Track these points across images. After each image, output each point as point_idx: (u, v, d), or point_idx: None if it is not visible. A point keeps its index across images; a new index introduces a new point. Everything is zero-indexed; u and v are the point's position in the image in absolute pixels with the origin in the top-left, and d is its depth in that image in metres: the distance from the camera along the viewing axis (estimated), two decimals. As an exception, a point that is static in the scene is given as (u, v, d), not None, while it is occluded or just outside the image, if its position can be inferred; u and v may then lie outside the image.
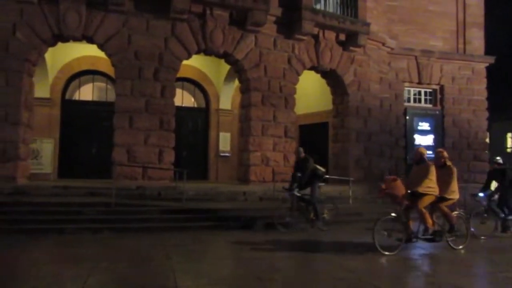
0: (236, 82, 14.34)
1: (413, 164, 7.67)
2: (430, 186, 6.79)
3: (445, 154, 7.39)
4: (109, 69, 12.42)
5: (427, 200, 6.86)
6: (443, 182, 7.01)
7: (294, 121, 13.19)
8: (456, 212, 7.42)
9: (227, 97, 15.61)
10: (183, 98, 15.26)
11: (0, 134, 10.17)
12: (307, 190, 8.89)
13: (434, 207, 7.16)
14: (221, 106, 15.57)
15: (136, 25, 11.27)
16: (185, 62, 12.12)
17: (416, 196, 6.78)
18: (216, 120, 15.51)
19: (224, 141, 15.44)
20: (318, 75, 14.20)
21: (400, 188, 6.79)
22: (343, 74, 13.79)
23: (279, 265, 5.91)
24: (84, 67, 13.98)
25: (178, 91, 12.93)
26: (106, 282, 4.89)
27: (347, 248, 7.24)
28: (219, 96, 15.56)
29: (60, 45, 11.48)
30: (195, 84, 15.57)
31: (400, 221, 6.83)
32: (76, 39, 11.15)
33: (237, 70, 12.85)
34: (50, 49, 11.49)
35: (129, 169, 10.86)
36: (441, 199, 7.03)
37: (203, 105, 15.75)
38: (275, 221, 8.59)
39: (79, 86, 14.39)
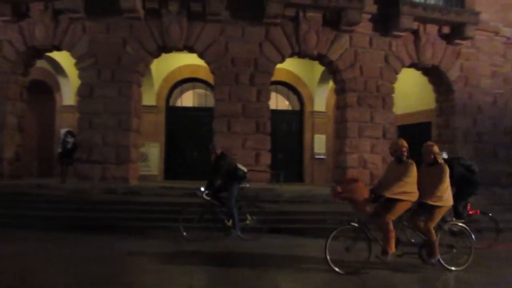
0: (331, 84, 14.11)
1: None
2: (406, 190, 5.34)
3: (436, 148, 5.67)
4: (208, 76, 13.06)
5: (399, 209, 5.37)
6: (429, 184, 5.43)
7: (392, 121, 12.55)
8: (450, 223, 5.82)
9: (322, 99, 15.42)
10: (278, 101, 15.44)
11: (114, 139, 11.29)
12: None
13: (413, 220, 5.55)
14: (316, 108, 15.43)
15: (232, 33, 11.69)
16: (278, 65, 12.25)
17: (384, 203, 5.40)
18: (311, 122, 15.41)
19: (319, 143, 15.27)
20: (419, 73, 13.35)
21: (360, 191, 5.44)
22: (447, 70, 12.78)
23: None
24: (185, 75, 14.89)
25: (273, 95, 13.13)
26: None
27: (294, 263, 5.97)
28: (313, 98, 15.45)
29: (163, 55, 12.34)
30: (289, 87, 15.66)
31: (362, 233, 5.44)
32: (178, 49, 11.90)
33: (331, 71, 12.64)
34: (155, 60, 12.41)
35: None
36: (420, 206, 5.44)
37: (297, 107, 15.77)
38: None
39: (181, 93, 15.38)
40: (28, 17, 11.65)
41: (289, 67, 14.58)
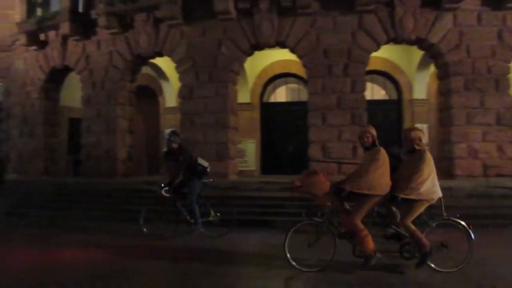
0: (432, 69, 13.13)
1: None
2: (370, 182, 4.71)
3: (415, 133, 4.95)
4: (300, 70, 12.99)
5: (365, 205, 4.78)
6: (405, 175, 4.80)
7: (509, 106, 11.25)
8: (440, 220, 4.97)
9: (421, 85, 14.42)
10: (373, 91, 14.81)
11: (214, 137, 11.81)
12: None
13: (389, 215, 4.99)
14: (415, 96, 14.49)
15: (323, 24, 11.45)
16: (373, 54, 11.71)
17: (345, 198, 4.85)
18: (410, 111, 14.50)
19: (421, 133, 14.29)
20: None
21: (319, 185, 4.97)
22: None
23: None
24: (278, 71, 15.00)
25: (368, 85, 12.58)
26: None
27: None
28: (412, 85, 14.53)
29: (256, 53, 12.54)
30: (385, 76, 14.92)
31: (326, 229, 5.00)
32: (270, 46, 12.02)
33: (432, 55, 11.74)
34: (248, 58, 12.67)
35: (324, 165, 11.11)
36: (392, 199, 4.82)
37: (394, 96, 14.97)
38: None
39: (274, 89, 15.54)
40: (132, 27, 12.71)
41: (385, 54, 13.86)
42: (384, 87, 15.16)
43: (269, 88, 15.45)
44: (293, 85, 15.50)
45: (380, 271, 4.93)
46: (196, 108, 12.04)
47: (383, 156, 4.86)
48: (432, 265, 4.86)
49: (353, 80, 11.37)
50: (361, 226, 4.80)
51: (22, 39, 14.24)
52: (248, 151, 14.29)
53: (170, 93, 15.75)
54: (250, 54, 12.24)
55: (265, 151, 14.82)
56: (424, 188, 4.71)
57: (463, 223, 4.95)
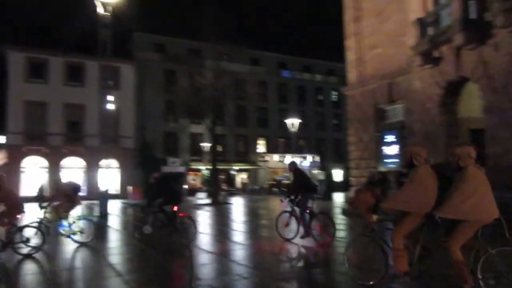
0: None
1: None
2: (406, 199, 4.87)
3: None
4: None
5: (404, 221, 4.92)
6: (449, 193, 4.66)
7: None
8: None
9: None
10: None
11: None
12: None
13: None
14: None
15: None
16: None
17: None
18: None
19: None
20: None
21: (364, 200, 5.45)
22: None
23: None
24: None
25: None
26: None
27: None
28: None
29: None
30: None
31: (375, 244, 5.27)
32: None
33: None
34: None
35: None
36: (427, 217, 4.83)
37: None
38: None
39: None
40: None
41: None
42: None
43: None
44: None
45: None
46: None
47: (419, 172, 4.87)
48: None
49: None
50: (398, 243, 4.88)
51: (417, 60, 15.21)
52: None
53: None
54: None
55: None
56: (465, 206, 4.46)
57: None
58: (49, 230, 9.53)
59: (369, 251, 5.39)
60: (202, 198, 32.64)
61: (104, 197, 18.76)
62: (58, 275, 7.39)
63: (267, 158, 46.75)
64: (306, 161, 43.91)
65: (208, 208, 24.00)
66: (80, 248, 9.60)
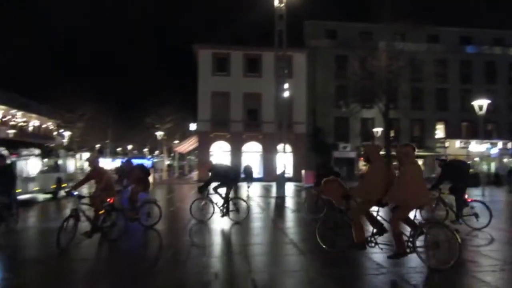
0: None
1: None
2: (365, 189, 6.47)
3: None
4: None
5: (361, 206, 6.57)
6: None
7: None
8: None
9: None
10: None
11: None
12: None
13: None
14: None
15: None
16: None
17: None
18: None
19: None
20: None
21: (335, 190, 7.85)
22: None
23: None
24: None
25: None
26: None
27: None
28: None
29: None
30: None
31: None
32: None
33: None
34: None
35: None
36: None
37: None
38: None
39: None
40: None
41: None
42: None
43: None
44: None
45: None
46: None
47: (374, 167, 6.32)
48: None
49: None
50: (358, 219, 6.41)
51: None
52: None
53: None
54: None
55: None
56: (405, 194, 5.95)
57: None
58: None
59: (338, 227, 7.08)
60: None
61: (281, 180, 19.88)
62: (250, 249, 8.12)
63: (446, 144, 42.33)
64: (495, 148, 38.20)
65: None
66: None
